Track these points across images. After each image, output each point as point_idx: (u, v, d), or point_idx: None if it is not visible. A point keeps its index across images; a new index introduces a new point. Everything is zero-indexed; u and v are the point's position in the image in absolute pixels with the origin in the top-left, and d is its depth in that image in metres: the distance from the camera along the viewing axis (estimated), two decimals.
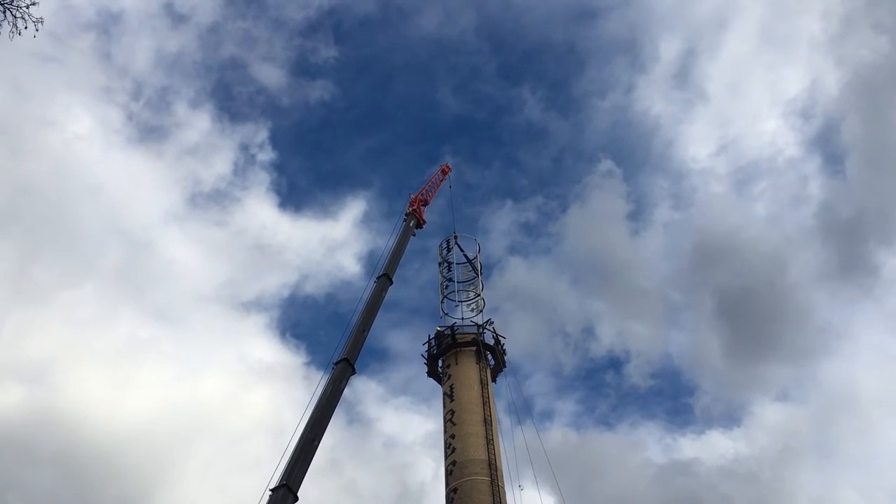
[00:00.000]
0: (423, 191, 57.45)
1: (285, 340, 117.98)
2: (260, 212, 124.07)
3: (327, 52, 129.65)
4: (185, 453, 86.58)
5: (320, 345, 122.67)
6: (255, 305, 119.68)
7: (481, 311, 51.27)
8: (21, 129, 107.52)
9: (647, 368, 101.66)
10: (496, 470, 40.58)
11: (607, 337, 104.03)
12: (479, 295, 52.88)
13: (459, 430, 42.59)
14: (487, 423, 42.82)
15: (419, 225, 53.97)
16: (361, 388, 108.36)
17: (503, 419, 45.23)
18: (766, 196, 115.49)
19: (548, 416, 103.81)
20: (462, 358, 47.01)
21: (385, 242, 49.64)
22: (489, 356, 48.14)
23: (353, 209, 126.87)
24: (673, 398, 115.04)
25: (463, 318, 50.30)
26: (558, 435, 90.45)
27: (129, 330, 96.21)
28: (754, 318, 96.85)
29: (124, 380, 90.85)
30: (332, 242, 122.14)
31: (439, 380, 48.10)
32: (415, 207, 54.21)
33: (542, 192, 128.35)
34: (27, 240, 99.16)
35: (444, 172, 62.65)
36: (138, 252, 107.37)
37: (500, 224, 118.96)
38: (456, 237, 57.00)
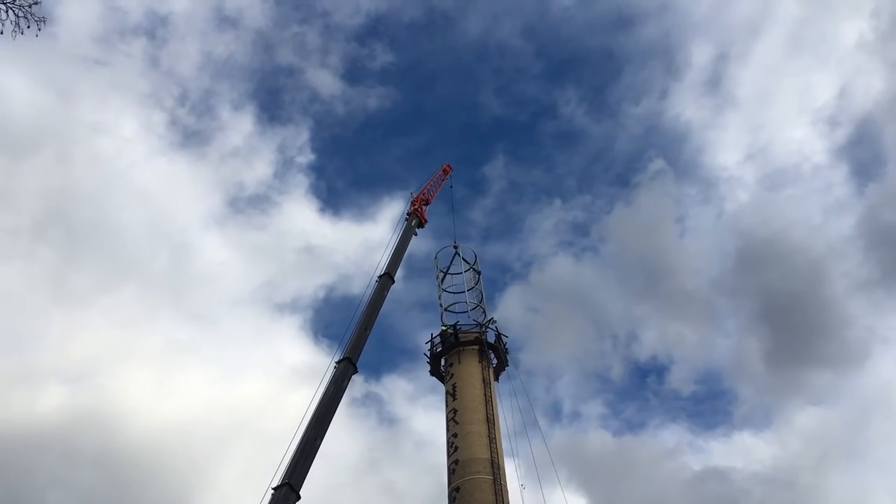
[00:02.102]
0: (425, 190, 57.48)
1: (318, 341, 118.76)
2: (299, 214, 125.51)
3: (384, 57, 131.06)
4: (223, 454, 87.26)
5: None
6: (289, 307, 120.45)
7: (488, 318, 51.19)
8: (64, 132, 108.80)
9: (688, 373, 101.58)
10: (499, 469, 40.56)
11: (649, 340, 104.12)
12: (478, 304, 52.95)
13: (462, 429, 42.60)
14: (490, 421, 42.82)
15: (421, 224, 54.06)
16: (391, 387, 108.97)
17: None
18: (806, 202, 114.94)
19: (580, 417, 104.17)
20: (465, 357, 47.02)
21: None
22: (492, 355, 48.17)
23: (393, 209, 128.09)
24: (712, 402, 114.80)
25: (458, 326, 49.98)
26: (595, 437, 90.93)
27: (169, 332, 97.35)
28: (795, 324, 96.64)
29: (164, 381, 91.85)
30: (372, 244, 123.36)
31: (442, 379, 48.15)
32: (416, 207, 54.29)
33: (589, 192, 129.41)
34: (71, 243, 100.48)
35: (445, 172, 62.67)
36: (178, 255, 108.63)
37: (546, 224, 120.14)
38: (456, 247, 57.09)
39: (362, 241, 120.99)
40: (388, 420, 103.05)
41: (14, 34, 18.04)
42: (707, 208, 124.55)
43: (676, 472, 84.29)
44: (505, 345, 49.19)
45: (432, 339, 49.64)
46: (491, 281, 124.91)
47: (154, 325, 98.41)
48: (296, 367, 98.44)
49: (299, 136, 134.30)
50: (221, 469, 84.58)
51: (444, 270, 56.17)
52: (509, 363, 48.81)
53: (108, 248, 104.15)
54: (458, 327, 49.22)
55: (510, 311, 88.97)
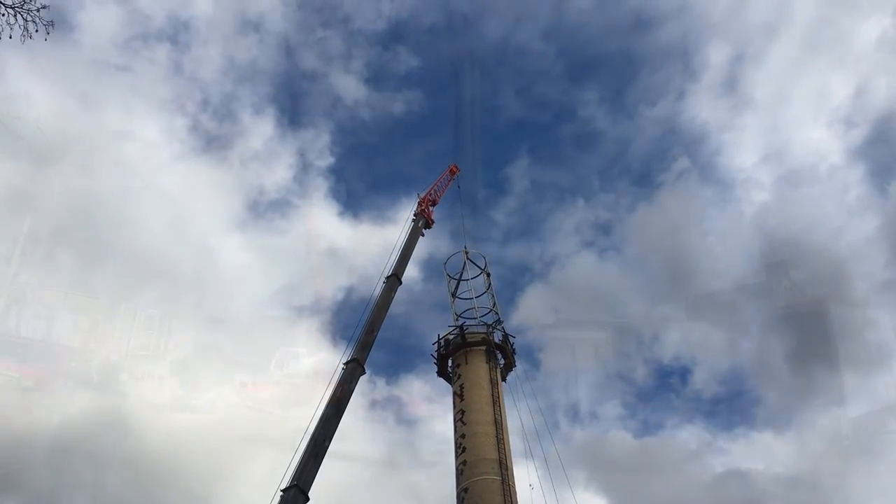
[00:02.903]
0: (432, 191, 57.47)
1: (337, 343, 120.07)
2: (319, 217, 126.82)
3: (408, 61, 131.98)
4: (246, 458, 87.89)
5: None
6: (308, 310, 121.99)
7: (498, 321, 51.19)
8: (86, 138, 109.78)
9: (711, 375, 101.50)
10: (507, 469, 40.50)
11: (672, 341, 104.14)
12: (491, 309, 52.94)
13: (470, 430, 42.56)
14: (498, 422, 42.76)
15: (428, 225, 54.09)
16: (409, 388, 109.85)
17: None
18: (823, 203, 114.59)
19: (601, 418, 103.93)
20: (472, 357, 46.98)
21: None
22: (499, 356, 48.12)
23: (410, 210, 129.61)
24: (734, 403, 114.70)
25: (465, 327, 49.95)
26: (616, 438, 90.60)
27: (192, 336, 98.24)
28: (818, 325, 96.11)
29: (187, 385, 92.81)
30: (390, 245, 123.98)
31: (449, 380, 48.13)
32: (423, 208, 54.31)
33: (613, 191, 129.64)
34: (92, 248, 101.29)
35: (452, 173, 62.60)
36: (200, 260, 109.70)
37: (568, 223, 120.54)
38: (466, 252, 57.00)
39: (381, 242, 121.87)
40: (406, 422, 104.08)
41: (23, 38, 18.16)
42: (725, 210, 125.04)
43: (699, 474, 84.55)
44: (512, 345, 49.17)
45: (439, 340, 49.70)
46: (511, 282, 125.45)
47: (176, 328, 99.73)
48: (316, 370, 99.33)
49: (319, 140, 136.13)
50: (244, 472, 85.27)
51: (456, 277, 56.11)
52: (516, 364, 48.84)
53: (130, 253, 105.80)
54: (464, 328, 49.22)
55: (531, 312, 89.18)
